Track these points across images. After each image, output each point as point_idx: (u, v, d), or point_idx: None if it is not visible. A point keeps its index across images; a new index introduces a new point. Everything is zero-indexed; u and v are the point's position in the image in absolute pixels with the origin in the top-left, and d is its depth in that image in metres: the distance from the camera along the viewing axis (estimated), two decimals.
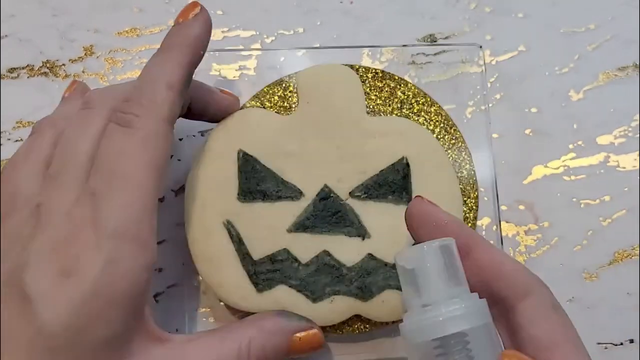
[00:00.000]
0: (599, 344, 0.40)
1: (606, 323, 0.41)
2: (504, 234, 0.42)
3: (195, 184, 0.37)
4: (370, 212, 0.37)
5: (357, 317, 0.38)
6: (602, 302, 0.41)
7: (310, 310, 0.36)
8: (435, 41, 0.45)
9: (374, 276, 0.36)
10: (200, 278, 0.40)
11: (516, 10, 0.45)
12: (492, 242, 0.40)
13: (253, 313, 0.36)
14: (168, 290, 0.40)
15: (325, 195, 0.37)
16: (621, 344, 0.41)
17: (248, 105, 0.40)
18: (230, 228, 0.37)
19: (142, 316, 0.31)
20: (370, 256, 0.37)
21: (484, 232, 0.41)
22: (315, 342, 0.35)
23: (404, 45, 0.43)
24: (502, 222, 0.42)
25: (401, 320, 0.30)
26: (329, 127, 0.38)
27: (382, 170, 0.38)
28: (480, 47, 0.43)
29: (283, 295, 0.36)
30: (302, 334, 0.35)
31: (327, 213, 0.37)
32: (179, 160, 0.42)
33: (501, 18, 0.45)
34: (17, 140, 0.42)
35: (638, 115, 0.44)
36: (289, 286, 0.36)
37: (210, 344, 0.33)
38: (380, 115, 0.40)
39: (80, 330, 0.29)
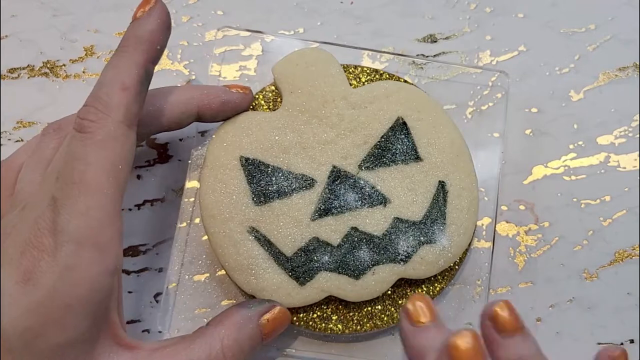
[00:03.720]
0: (599, 343, 0.40)
1: (606, 323, 0.41)
2: (504, 233, 0.42)
3: (208, 202, 0.38)
4: (384, 179, 0.38)
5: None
6: (603, 302, 0.41)
7: (355, 287, 0.37)
8: (435, 41, 0.45)
9: (406, 237, 0.37)
10: (201, 279, 0.40)
11: (516, 10, 0.45)
12: (489, 243, 0.41)
13: (297, 308, 0.37)
14: (168, 290, 0.40)
15: (337, 176, 0.38)
16: (621, 343, 0.41)
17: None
18: (255, 233, 0.37)
19: (107, 322, 0.32)
20: (397, 219, 0.37)
21: (484, 232, 0.41)
22: (283, 318, 0.36)
23: (401, 55, 0.43)
24: (502, 222, 0.42)
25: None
26: (318, 109, 0.39)
27: (382, 136, 0.39)
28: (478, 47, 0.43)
29: (326, 281, 0.37)
30: (268, 315, 0.36)
31: (344, 191, 0.38)
32: (180, 160, 0.42)
33: (501, 18, 0.45)
34: (17, 141, 0.42)
35: (638, 116, 0.44)
36: (329, 271, 0.37)
37: (179, 349, 0.33)
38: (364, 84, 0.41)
39: (36, 334, 0.29)
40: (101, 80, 0.33)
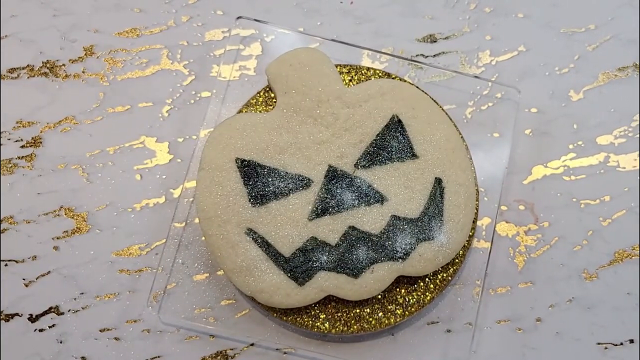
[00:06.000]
0: (598, 344, 0.40)
1: (606, 323, 0.41)
2: (503, 233, 0.42)
3: (204, 204, 0.37)
4: (381, 177, 0.38)
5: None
6: (602, 302, 0.41)
7: (354, 286, 0.37)
8: (435, 41, 0.45)
9: (403, 235, 0.37)
10: (200, 279, 0.40)
11: (516, 10, 0.45)
12: (489, 243, 0.41)
13: (294, 309, 0.38)
14: (168, 290, 0.40)
15: (333, 175, 0.38)
16: (621, 344, 0.41)
17: (245, 111, 0.41)
18: (253, 235, 0.37)
19: None
20: (394, 217, 0.37)
21: (483, 233, 0.41)
22: None
23: (401, 57, 0.43)
24: (502, 222, 0.42)
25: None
26: (313, 109, 0.39)
27: (378, 135, 0.39)
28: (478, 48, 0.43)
29: (325, 281, 0.37)
30: None
31: (340, 191, 0.38)
32: (179, 160, 0.42)
33: (501, 18, 0.45)
34: (17, 140, 0.43)
35: (638, 116, 0.44)
36: (328, 270, 0.37)
37: None
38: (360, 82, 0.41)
39: None
40: None
